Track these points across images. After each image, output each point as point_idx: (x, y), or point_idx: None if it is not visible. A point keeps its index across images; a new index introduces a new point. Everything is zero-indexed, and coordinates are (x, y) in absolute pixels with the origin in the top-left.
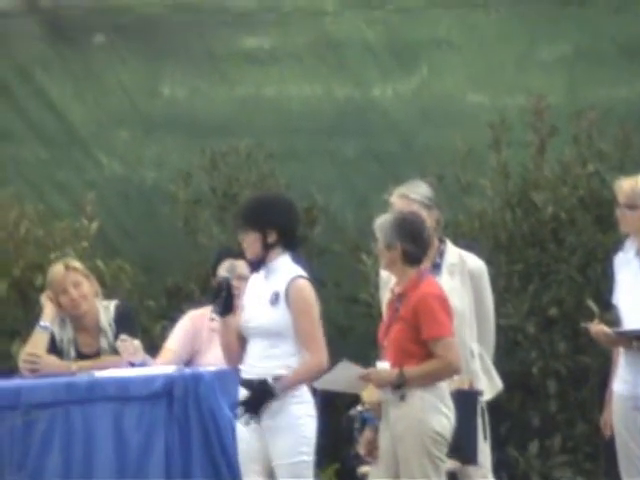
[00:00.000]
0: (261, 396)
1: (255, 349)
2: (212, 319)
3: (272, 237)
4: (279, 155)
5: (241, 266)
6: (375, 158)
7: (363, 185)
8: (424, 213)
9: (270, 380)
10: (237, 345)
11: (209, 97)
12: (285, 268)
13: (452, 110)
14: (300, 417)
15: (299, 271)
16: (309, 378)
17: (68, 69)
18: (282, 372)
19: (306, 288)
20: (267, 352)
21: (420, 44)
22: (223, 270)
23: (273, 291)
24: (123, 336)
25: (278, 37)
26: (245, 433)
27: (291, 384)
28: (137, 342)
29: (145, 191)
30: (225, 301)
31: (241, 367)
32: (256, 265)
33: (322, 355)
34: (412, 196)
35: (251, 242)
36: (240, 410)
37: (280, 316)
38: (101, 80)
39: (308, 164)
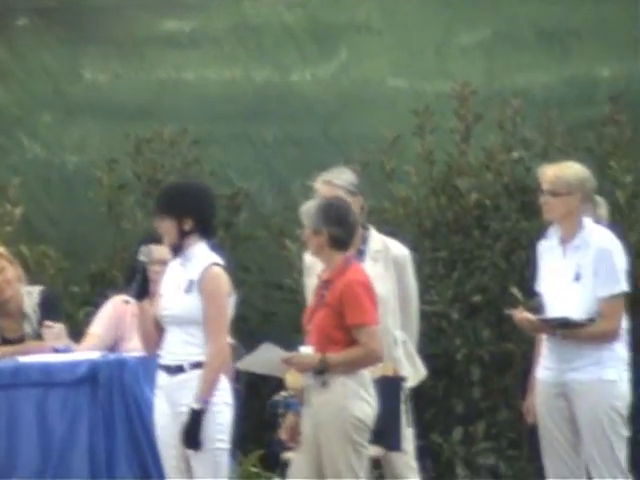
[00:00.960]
0: (194, 426)
1: (172, 336)
2: (126, 302)
3: (188, 224)
4: (201, 140)
5: (162, 251)
6: (294, 143)
7: (283, 170)
8: (348, 199)
9: (194, 405)
10: (154, 332)
11: (130, 81)
12: (201, 256)
13: (372, 95)
14: (216, 404)
15: (214, 259)
16: (217, 368)
17: None
18: (200, 358)
19: (219, 276)
20: (183, 339)
21: (340, 28)
22: (141, 254)
23: (188, 279)
24: (47, 322)
25: (198, 21)
26: (162, 419)
27: (209, 388)
28: (61, 327)
29: (67, 175)
30: (140, 285)
31: (160, 353)
32: (174, 252)
33: (221, 342)
34: (336, 182)
35: (167, 229)
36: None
37: (194, 304)
38: (24, 63)
39: (228, 149)
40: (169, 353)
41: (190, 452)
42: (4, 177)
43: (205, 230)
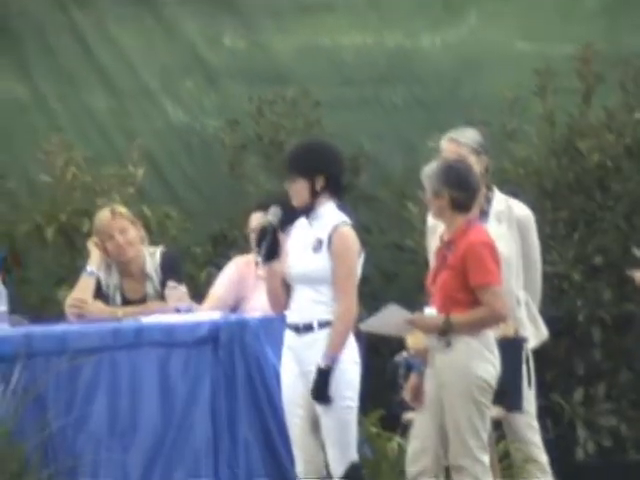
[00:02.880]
0: (323, 383)
1: (300, 295)
2: (256, 264)
3: (320, 184)
4: (329, 104)
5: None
6: (423, 106)
7: (411, 133)
8: (473, 158)
9: (321, 363)
10: (282, 291)
11: (266, 47)
12: (330, 215)
13: (500, 59)
14: (344, 362)
15: (343, 218)
16: (346, 328)
17: (139, 21)
18: (329, 317)
19: (349, 235)
20: (312, 298)
21: None
22: (270, 215)
23: (316, 238)
24: (171, 283)
25: None
26: (290, 379)
27: (337, 346)
28: (183, 288)
29: (206, 139)
30: (270, 246)
31: (287, 313)
32: (303, 212)
33: (350, 300)
34: (462, 140)
35: (299, 189)
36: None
37: (322, 263)
38: (169, 31)
39: (357, 113)
40: (297, 312)
41: (320, 410)
42: (148, 141)
43: (335, 189)
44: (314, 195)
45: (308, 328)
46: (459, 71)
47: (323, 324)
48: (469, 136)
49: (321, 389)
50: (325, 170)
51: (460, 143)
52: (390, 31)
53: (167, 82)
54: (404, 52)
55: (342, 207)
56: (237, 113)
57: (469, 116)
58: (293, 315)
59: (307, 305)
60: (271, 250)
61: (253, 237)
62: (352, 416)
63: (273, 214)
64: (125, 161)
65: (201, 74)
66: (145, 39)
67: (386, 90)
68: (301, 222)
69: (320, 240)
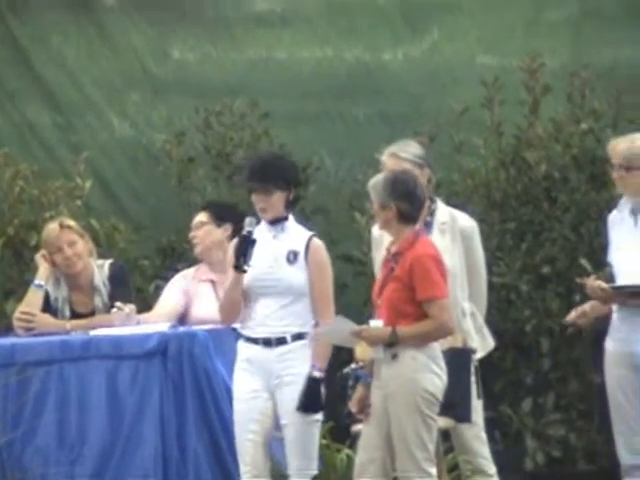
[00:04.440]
0: (315, 393)
1: (267, 307)
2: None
3: (291, 196)
4: (282, 116)
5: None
6: (385, 120)
7: (373, 147)
8: (416, 172)
9: (316, 373)
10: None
11: (219, 60)
12: (295, 227)
13: (461, 73)
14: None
15: (309, 231)
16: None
17: (82, 33)
18: (302, 330)
19: (323, 249)
20: (282, 310)
21: (431, 7)
22: (247, 225)
23: (289, 249)
24: (117, 303)
25: (289, 0)
26: (247, 394)
27: (325, 358)
28: (131, 307)
29: (153, 152)
30: (247, 256)
31: (246, 326)
32: (274, 224)
33: (332, 312)
34: (402, 155)
35: (275, 201)
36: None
37: (300, 275)
38: (113, 43)
39: (314, 126)
40: (262, 325)
41: (290, 422)
42: (94, 155)
43: (295, 201)
44: (287, 207)
45: (281, 341)
46: (422, 85)
47: (296, 337)
48: (410, 150)
49: (313, 398)
50: (297, 182)
51: (401, 158)
52: (349, 45)
53: (112, 95)
54: (365, 66)
55: (298, 219)
56: (185, 126)
57: (420, 128)
58: (257, 328)
59: (277, 317)
60: (244, 257)
61: (194, 235)
62: (318, 429)
63: (249, 224)
64: (71, 175)
65: (148, 87)
66: (88, 51)
67: (346, 103)
68: (267, 234)
69: (295, 252)
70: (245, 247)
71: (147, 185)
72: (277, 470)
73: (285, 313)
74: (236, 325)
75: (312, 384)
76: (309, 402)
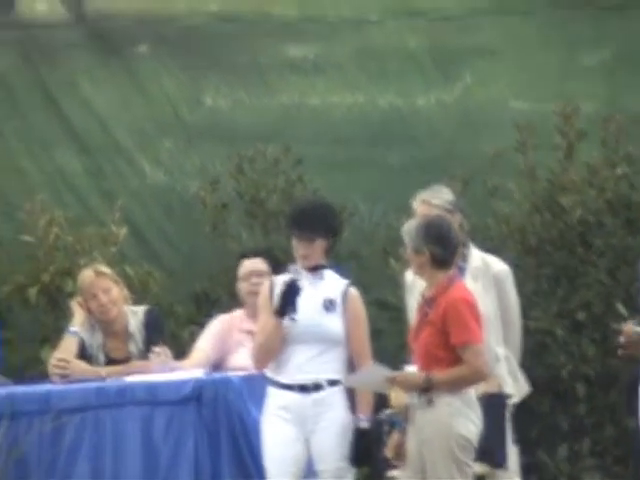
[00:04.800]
0: (363, 444)
1: (304, 354)
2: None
3: (331, 243)
4: (320, 163)
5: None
6: (419, 166)
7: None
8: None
9: (364, 424)
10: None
11: (252, 106)
12: (331, 275)
13: (494, 118)
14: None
15: (343, 278)
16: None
17: (113, 79)
18: (336, 377)
19: (360, 297)
20: (318, 357)
21: (462, 52)
22: (292, 272)
23: (326, 297)
24: (156, 349)
25: (322, 47)
26: (284, 440)
27: (371, 408)
28: (166, 351)
29: (186, 199)
30: (293, 302)
31: (280, 372)
32: (313, 272)
33: (370, 360)
34: (434, 202)
35: (316, 249)
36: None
37: (338, 323)
38: (145, 90)
39: (348, 172)
40: (298, 371)
41: (324, 469)
42: (126, 201)
43: (331, 249)
44: (326, 255)
45: (318, 387)
46: (454, 130)
47: (332, 383)
48: (441, 196)
49: (363, 449)
50: (338, 231)
51: (432, 205)
52: (381, 91)
53: (144, 141)
54: (398, 111)
55: (331, 264)
56: (218, 173)
57: (451, 173)
58: (294, 375)
59: (314, 364)
60: (292, 306)
61: (244, 286)
62: (352, 474)
63: (295, 272)
64: (103, 221)
65: (180, 133)
66: (120, 97)
67: (380, 149)
68: (304, 281)
69: (332, 300)
70: (292, 295)
71: (180, 231)
72: None
73: (321, 360)
74: (266, 371)
75: (361, 435)
76: (359, 454)
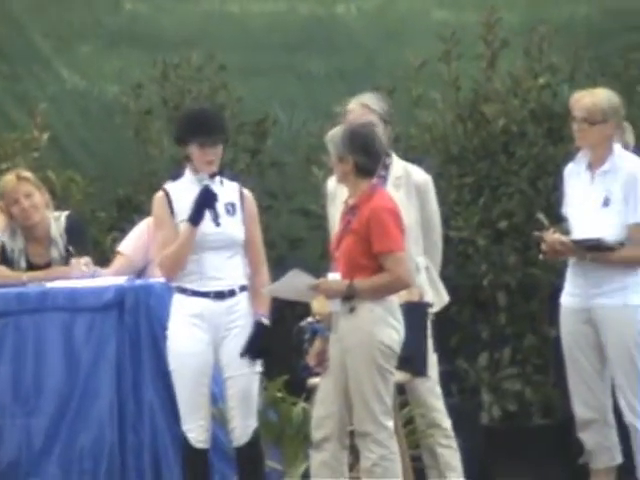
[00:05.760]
0: (261, 338)
1: (216, 261)
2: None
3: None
4: (238, 69)
5: None
6: (340, 75)
7: (327, 101)
8: (381, 126)
9: (265, 320)
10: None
11: (172, 12)
12: (224, 179)
13: (416, 27)
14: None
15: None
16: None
17: None
18: (245, 282)
19: (254, 200)
20: (227, 263)
21: None
22: (202, 180)
23: (227, 202)
24: (80, 259)
25: None
26: (200, 347)
27: (267, 305)
28: (87, 259)
29: (105, 104)
30: (214, 208)
31: (191, 280)
32: (212, 178)
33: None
34: (374, 107)
35: (219, 154)
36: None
37: (240, 226)
38: None
39: (270, 79)
40: (214, 279)
41: (233, 375)
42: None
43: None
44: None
45: (232, 293)
46: (377, 39)
47: (242, 288)
48: (381, 104)
49: (260, 343)
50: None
51: (372, 110)
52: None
53: (61, 46)
54: (318, 19)
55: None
56: (138, 79)
57: (377, 83)
58: (208, 282)
59: (225, 270)
60: (213, 211)
61: None
62: (257, 382)
63: (203, 179)
64: (16, 126)
65: (99, 38)
66: (36, 0)
67: (300, 57)
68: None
69: (232, 204)
70: (210, 201)
71: (98, 137)
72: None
73: (231, 266)
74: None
75: (260, 330)
76: (254, 348)
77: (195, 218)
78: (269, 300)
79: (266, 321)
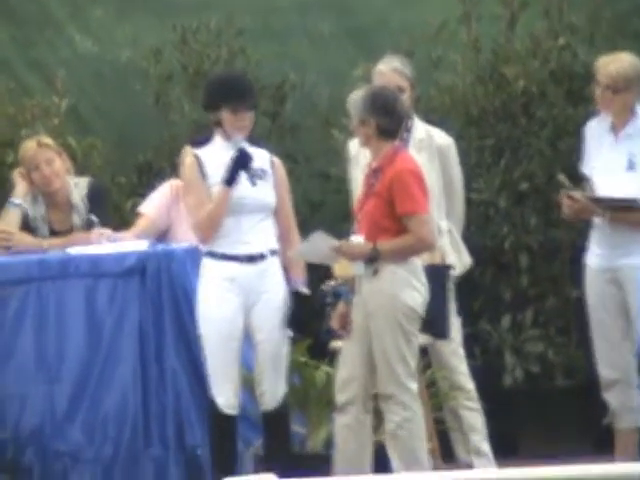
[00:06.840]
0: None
1: (249, 225)
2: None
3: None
4: (253, 33)
5: None
6: (351, 36)
7: (338, 62)
8: (409, 91)
9: (304, 289)
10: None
11: None
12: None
13: None
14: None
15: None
16: None
17: None
18: (275, 246)
19: (283, 167)
20: (258, 227)
21: None
22: (238, 142)
23: (258, 167)
24: (95, 229)
25: None
26: (230, 312)
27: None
28: (108, 232)
29: (119, 69)
30: (249, 169)
31: (221, 243)
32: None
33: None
34: (406, 72)
35: (252, 119)
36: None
37: (271, 191)
38: None
39: (283, 41)
40: (245, 243)
41: (264, 339)
42: (54, 71)
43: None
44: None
45: (262, 257)
46: (388, 1)
47: (273, 252)
48: (409, 68)
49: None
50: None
51: (404, 75)
52: None
53: (74, 11)
54: None
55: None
56: (153, 43)
57: (396, 45)
58: (238, 246)
59: (256, 234)
60: (253, 176)
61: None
62: (288, 347)
63: (239, 141)
64: (31, 93)
65: (111, 2)
66: None
67: (312, 18)
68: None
69: (263, 170)
70: (246, 162)
71: (112, 102)
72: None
73: (261, 230)
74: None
75: (301, 301)
76: (296, 319)
77: (230, 179)
78: (304, 266)
79: (305, 290)
